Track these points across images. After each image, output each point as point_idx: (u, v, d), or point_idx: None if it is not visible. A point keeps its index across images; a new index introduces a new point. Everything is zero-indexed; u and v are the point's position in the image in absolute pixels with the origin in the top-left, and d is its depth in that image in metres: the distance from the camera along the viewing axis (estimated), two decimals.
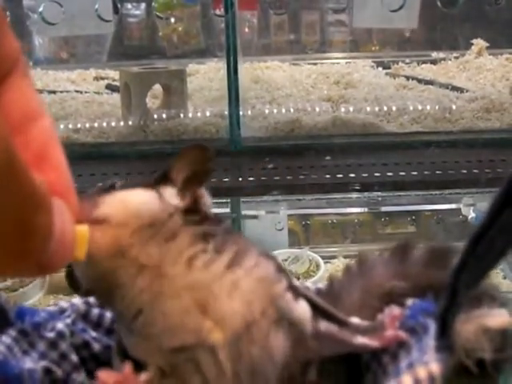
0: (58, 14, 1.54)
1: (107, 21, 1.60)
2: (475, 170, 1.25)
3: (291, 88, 1.52)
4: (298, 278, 1.46)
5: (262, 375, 0.47)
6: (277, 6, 1.82)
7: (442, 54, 1.77)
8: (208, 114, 1.39)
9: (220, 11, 1.64)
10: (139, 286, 0.45)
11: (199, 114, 1.39)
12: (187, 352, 0.46)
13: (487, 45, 1.72)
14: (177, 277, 0.45)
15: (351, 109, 1.39)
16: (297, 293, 0.48)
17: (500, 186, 0.39)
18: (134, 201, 0.46)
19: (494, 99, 1.41)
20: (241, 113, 1.33)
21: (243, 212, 1.46)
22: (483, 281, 0.43)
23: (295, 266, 1.49)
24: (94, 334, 0.57)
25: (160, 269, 0.45)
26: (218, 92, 1.46)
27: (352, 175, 1.25)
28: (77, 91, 1.56)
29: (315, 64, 1.73)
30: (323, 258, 1.53)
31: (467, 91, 1.47)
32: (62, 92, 1.54)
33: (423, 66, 1.73)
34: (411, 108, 1.40)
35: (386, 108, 1.41)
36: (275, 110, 1.39)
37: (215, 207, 0.51)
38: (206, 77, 1.64)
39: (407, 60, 1.75)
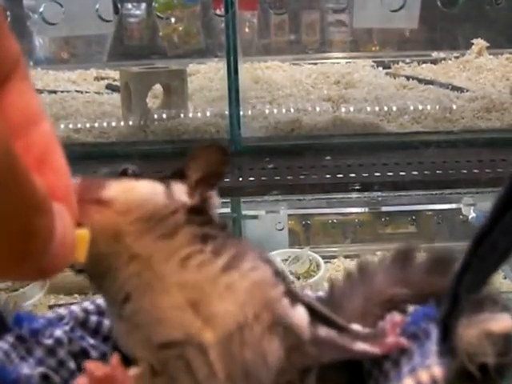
0: (58, 14, 1.53)
1: (107, 21, 1.60)
2: (475, 170, 1.25)
3: (291, 88, 1.52)
4: (298, 278, 1.46)
5: (257, 379, 0.46)
6: (277, 6, 1.82)
7: (442, 54, 1.77)
8: (208, 114, 1.39)
9: (220, 11, 1.64)
10: (130, 272, 0.46)
11: (199, 114, 1.39)
12: (176, 348, 0.46)
13: (487, 45, 1.72)
14: (169, 273, 0.46)
15: (351, 109, 1.39)
16: (294, 298, 0.47)
17: (500, 186, 0.39)
18: (140, 191, 0.46)
19: (494, 99, 1.41)
20: (241, 113, 1.33)
21: (243, 212, 1.46)
22: (486, 284, 0.43)
23: (295, 266, 1.49)
24: (91, 341, 0.57)
25: (151, 261, 0.45)
26: (219, 92, 1.46)
27: (352, 175, 1.25)
28: (77, 91, 1.56)
29: (315, 64, 1.73)
30: (323, 257, 1.53)
31: (467, 91, 1.47)
32: (62, 92, 1.54)
33: (423, 65, 1.73)
34: (411, 108, 1.40)
35: (386, 108, 1.40)
36: (275, 110, 1.39)
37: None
38: (206, 77, 1.64)
39: (407, 60, 1.75)
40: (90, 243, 0.38)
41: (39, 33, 1.72)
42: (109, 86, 1.61)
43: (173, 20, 1.73)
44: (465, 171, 1.25)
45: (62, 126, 1.36)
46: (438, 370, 0.41)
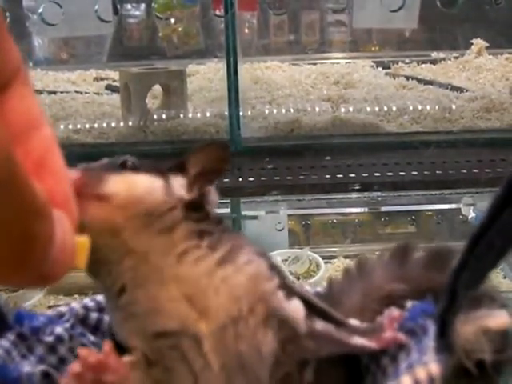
0: (57, 14, 1.54)
1: (107, 21, 1.60)
2: (475, 170, 1.25)
3: (291, 88, 1.52)
4: (298, 278, 1.46)
5: (252, 371, 0.47)
6: (277, 6, 1.82)
7: (441, 54, 1.77)
8: (208, 114, 1.39)
9: (220, 11, 1.64)
10: (125, 266, 0.46)
11: (199, 115, 1.39)
12: (171, 338, 0.46)
13: (487, 45, 1.72)
14: (165, 268, 0.46)
15: (351, 109, 1.39)
16: (290, 292, 0.48)
17: (500, 186, 0.39)
18: (139, 188, 0.46)
19: (493, 99, 1.41)
20: (241, 113, 1.33)
21: (243, 212, 1.46)
22: (483, 281, 0.43)
23: (295, 266, 1.49)
24: (92, 338, 0.57)
25: (148, 256, 0.46)
26: (218, 92, 1.46)
27: (352, 175, 1.25)
28: (77, 92, 1.56)
29: (315, 64, 1.73)
30: (323, 258, 1.53)
31: (467, 91, 1.47)
32: (62, 93, 1.54)
33: (423, 65, 1.73)
34: (411, 108, 1.40)
35: (385, 108, 1.41)
36: (275, 110, 1.39)
37: (215, 207, 0.51)
38: (205, 77, 1.64)
39: (407, 60, 1.75)
40: (87, 235, 0.38)
41: (38, 33, 1.72)
42: (108, 87, 1.61)
43: (172, 20, 1.73)
44: (464, 171, 1.25)
45: (62, 126, 1.36)
46: (435, 367, 0.41)
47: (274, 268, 0.49)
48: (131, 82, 1.35)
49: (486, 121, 1.38)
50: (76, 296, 1.40)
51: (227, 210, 1.42)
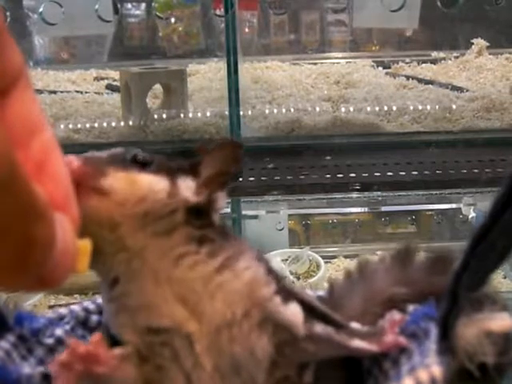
0: (58, 14, 1.54)
1: (107, 21, 1.60)
2: (475, 170, 1.25)
3: (291, 88, 1.52)
4: (298, 278, 1.46)
5: (247, 373, 0.46)
6: (277, 6, 1.82)
7: (442, 54, 1.77)
8: (208, 114, 1.38)
9: (220, 11, 1.64)
10: (119, 259, 0.45)
11: (199, 114, 1.38)
12: (162, 335, 0.46)
13: (487, 44, 1.72)
14: (160, 269, 0.45)
15: (351, 109, 1.39)
16: (288, 296, 0.47)
17: (500, 186, 0.39)
18: (141, 188, 0.45)
19: (494, 99, 1.40)
20: (241, 113, 1.33)
21: (243, 212, 1.46)
22: (485, 283, 0.43)
23: (295, 266, 1.49)
24: None
25: (143, 255, 0.45)
26: (218, 92, 1.46)
27: (352, 175, 1.25)
28: (77, 91, 1.56)
29: (315, 64, 1.73)
30: (324, 257, 1.53)
31: (467, 91, 1.47)
32: (62, 92, 1.54)
33: (423, 65, 1.73)
34: (411, 108, 1.40)
35: (386, 108, 1.40)
36: (275, 110, 1.39)
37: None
38: (206, 77, 1.64)
39: (407, 60, 1.75)
40: (84, 226, 0.37)
41: (39, 33, 1.72)
42: (109, 86, 1.61)
43: (173, 20, 1.73)
44: (465, 171, 1.25)
45: (62, 126, 1.36)
46: (437, 370, 0.41)
47: (271, 272, 0.48)
48: (132, 81, 1.34)
49: (487, 121, 1.38)
50: (76, 296, 1.40)
51: (227, 210, 1.42)
